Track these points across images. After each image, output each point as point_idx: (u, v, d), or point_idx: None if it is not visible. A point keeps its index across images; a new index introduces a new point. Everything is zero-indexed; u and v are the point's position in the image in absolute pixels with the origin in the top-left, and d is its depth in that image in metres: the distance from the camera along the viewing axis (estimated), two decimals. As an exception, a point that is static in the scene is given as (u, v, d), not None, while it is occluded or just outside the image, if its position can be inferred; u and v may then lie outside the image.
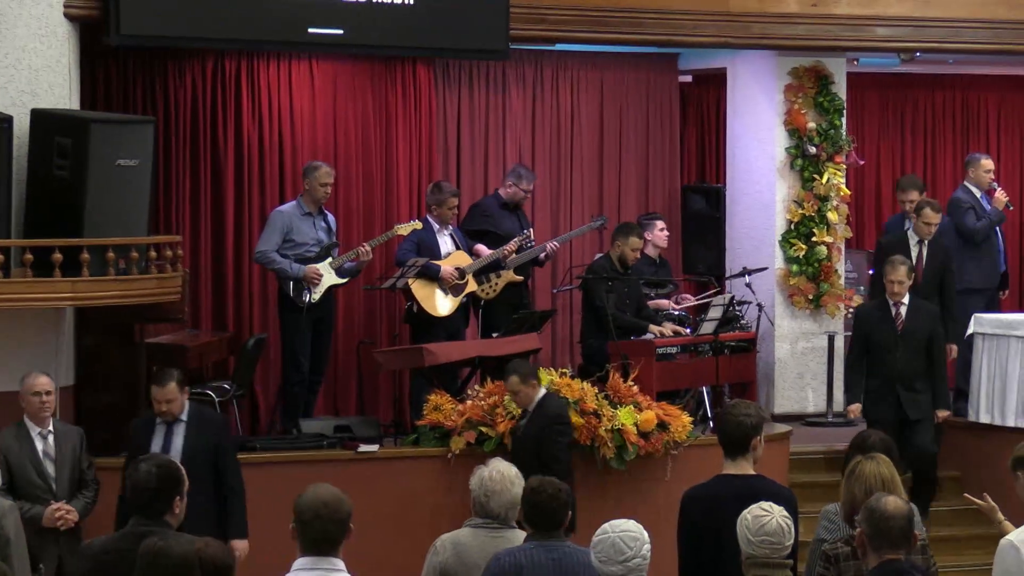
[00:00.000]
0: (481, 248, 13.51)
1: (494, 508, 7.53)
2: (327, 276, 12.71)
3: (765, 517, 6.45)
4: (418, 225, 13.24)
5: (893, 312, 12.47)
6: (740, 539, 6.48)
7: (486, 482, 7.56)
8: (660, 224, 14.40)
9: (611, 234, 13.69)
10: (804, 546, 6.90)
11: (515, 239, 13.54)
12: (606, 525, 6.51)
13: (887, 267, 12.52)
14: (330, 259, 12.75)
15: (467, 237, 13.59)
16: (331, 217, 13.06)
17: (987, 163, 14.63)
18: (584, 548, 6.75)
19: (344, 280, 12.96)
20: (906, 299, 12.48)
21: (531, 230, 13.83)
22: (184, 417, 10.06)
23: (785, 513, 6.50)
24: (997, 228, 14.45)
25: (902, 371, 12.38)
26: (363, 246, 12.93)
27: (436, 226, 13.32)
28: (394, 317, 14.01)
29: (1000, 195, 14.41)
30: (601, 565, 6.44)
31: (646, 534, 6.53)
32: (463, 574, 7.41)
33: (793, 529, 6.51)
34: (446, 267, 13.14)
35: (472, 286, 13.33)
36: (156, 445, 9.88)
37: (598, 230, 14.60)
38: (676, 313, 14.10)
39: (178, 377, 10.13)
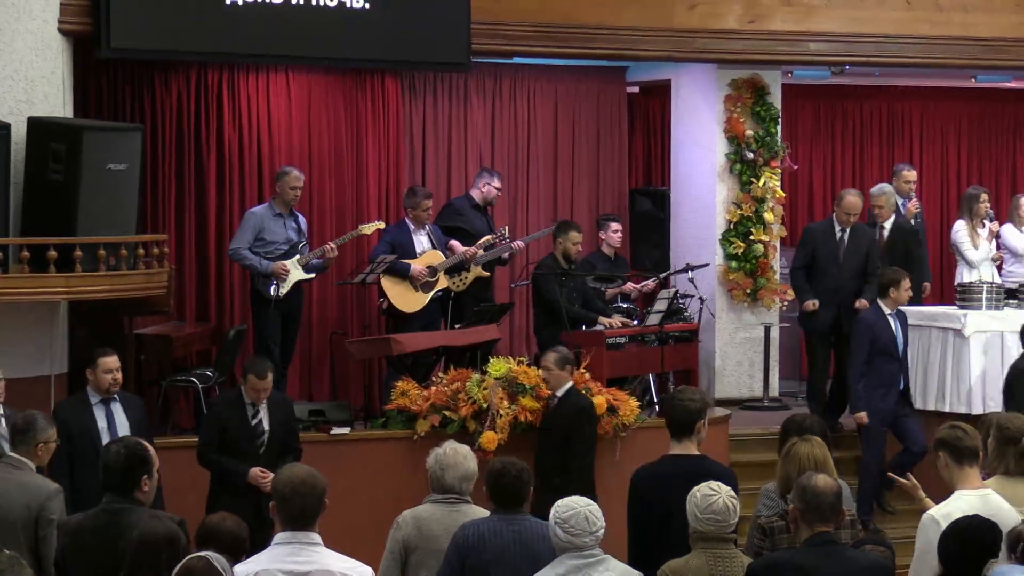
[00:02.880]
0: (455, 244, 13.51)
1: (449, 481, 7.55)
2: (294, 272, 12.69)
3: (713, 496, 6.51)
4: (380, 224, 13.28)
5: None
6: (689, 515, 6.53)
7: (440, 458, 7.60)
8: (614, 225, 14.51)
9: (552, 234, 13.71)
10: (742, 521, 6.96)
11: (489, 237, 13.56)
12: (568, 501, 6.49)
13: None
14: (298, 256, 12.74)
15: (442, 233, 13.60)
16: (302, 218, 13.03)
17: (908, 174, 14.78)
18: (543, 521, 6.79)
19: (311, 276, 12.93)
20: None
21: (505, 229, 13.89)
22: (117, 397, 9.91)
23: (732, 493, 6.57)
24: None
25: None
26: (328, 244, 12.93)
27: (412, 227, 13.33)
28: (364, 310, 14.03)
29: (912, 206, 14.50)
30: (572, 538, 6.41)
31: None
32: (423, 545, 7.46)
33: (738, 508, 6.57)
34: (416, 266, 13.14)
35: (443, 283, 13.35)
36: (103, 424, 9.75)
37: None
38: (625, 306, 14.21)
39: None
